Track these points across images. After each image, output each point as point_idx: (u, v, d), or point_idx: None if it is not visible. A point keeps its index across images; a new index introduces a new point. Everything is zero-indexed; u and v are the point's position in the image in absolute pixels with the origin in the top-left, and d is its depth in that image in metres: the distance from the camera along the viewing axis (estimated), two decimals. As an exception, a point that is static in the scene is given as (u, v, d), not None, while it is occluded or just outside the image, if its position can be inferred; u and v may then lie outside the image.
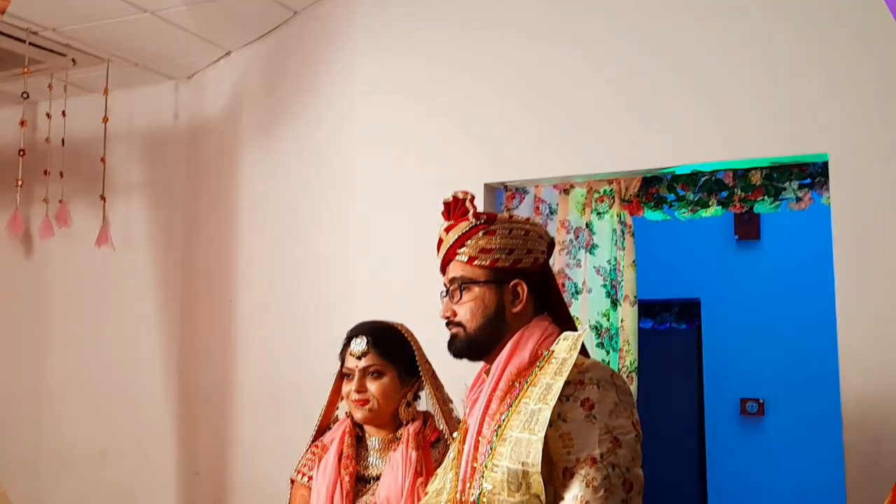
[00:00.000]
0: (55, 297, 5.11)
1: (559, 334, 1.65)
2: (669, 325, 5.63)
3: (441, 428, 2.08)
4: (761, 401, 4.94)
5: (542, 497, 1.46)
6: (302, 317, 4.01)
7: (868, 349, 2.72)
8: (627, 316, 3.09)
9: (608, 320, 3.08)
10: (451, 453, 1.73)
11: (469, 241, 1.70)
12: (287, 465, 3.87)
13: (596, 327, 3.03)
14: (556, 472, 1.49)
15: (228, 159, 4.25)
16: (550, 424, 1.48)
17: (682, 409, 5.54)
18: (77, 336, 5.04)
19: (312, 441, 2.15)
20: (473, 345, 1.69)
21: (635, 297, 3.11)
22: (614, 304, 3.10)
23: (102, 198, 4.27)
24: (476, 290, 1.69)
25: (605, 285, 3.10)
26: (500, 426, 1.56)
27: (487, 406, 1.61)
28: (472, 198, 1.76)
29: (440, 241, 1.78)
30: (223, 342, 4.41)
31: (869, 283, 2.72)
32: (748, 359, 5.00)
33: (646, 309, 4.78)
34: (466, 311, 1.69)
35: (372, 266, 3.62)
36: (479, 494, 1.53)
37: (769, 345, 4.95)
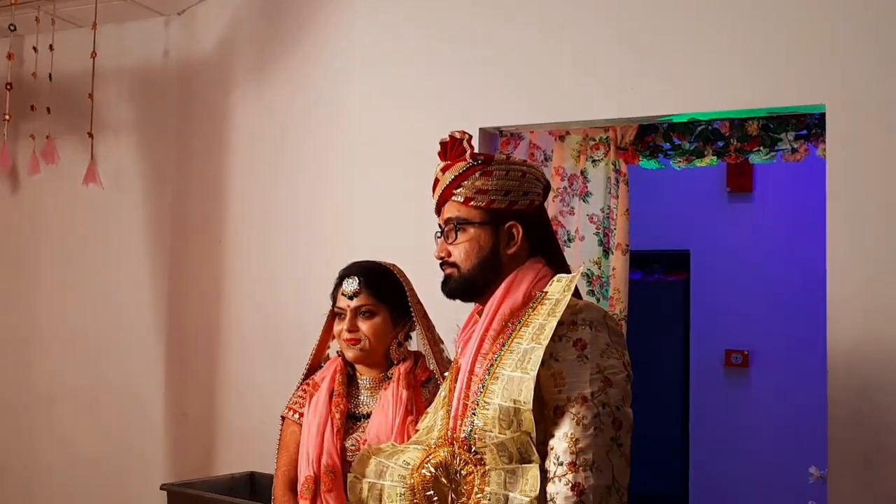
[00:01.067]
0: (43, 236, 5.07)
1: (552, 276, 1.65)
2: (658, 276, 5.66)
3: (431, 368, 2.09)
4: (746, 353, 4.99)
5: (533, 434, 1.47)
6: (293, 259, 4.01)
7: (857, 302, 2.74)
8: (619, 264, 3.10)
9: (600, 268, 3.08)
10: (442, 392, 1.74)
11: (465, 182, 1.69)
12: (275, 407, 3.89)
13: (587, 275, 3.04)
14: (546, 411, 1.50)
15: (220, 98, 4.20)
16: (542, 364, 1.49)
17: (667, 359, 5.60)
18: (65, 276, 5.03)
19: (303, 380, 2.16)
20: (467, 285, 1.69)
21: (627, 245, 3.11)
22: (606, 252, 3.10)
23: (90, 135, 4.20)
24: (471, 230, 1.69)
25: (597, 233, 3.10)
26: (492, 365, 1.56)
27: (480, 345, 1.61)
28: (470, 138, 1.74)
29: (436, 182, 1.76)
30: (213, 283, 4.41)
31: (860, 235, 2.73)
32: (735, 311, 5.04)
33: (635, 260, 4.79)
34: (461, 251, 1.69)
35: (365, 209, 3.61)
36: (471, 431, 1.54)
37: (756, 298, 4.99)
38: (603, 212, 3.11)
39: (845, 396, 2.74)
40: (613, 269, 3.10)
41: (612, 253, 3.11)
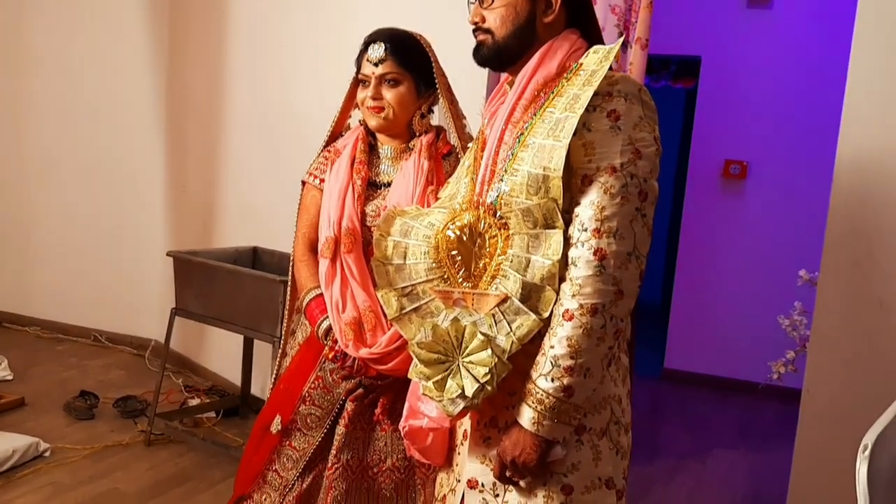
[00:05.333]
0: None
1: (588, 49, 1.62)
2: (665, 82, 5.58)
3: (453, 142, 2.09)
4: (745, 163, 5.02)
5: (560, 201, 1.49)
6: (297, 36, 3.91)
7: (873, 114, 2.72)
8: (637, 60, 3.04)
9: (617, 62, 3.02)
10: (466, 161, 1.75)
11: (505, -57, 1.61)
12: (275, 185, 3.95)
13: (604, 69, 2.98)
14: (574, 180, 1.51)
15: None
16: (575, 133, 1.48)
17: (664, 168, 5.63)
18: (59, 44, 4.90)
19: (324, 147, 2.16)
20: (501, 53, 1.65)
21: (647, 40, 3.04)
22: (625, 45, 3.03)
23: None
24: (508, -5, 1.63)
25: (618, 25, 3.02)
26: (522, 133, 1.56)
27: (511, 114, 1.60)
28: None
29: (474, -59, 1.68)
30: (214, 59, 4.32)
31: (889, 46, 2.68)
32: (738, 123, 5.03)
33: (644, 64, 4.70)
34: (496, 17, 1.64)
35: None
36: (497, 196, 1.56)
37: (762, 111, 4.96)
38: (625, 2, 3.01)
39: (847, 204, 2.79)
40: (631, 63, 3.05)
41: (631, 47, 3.04)
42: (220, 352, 4.34)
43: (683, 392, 5.17)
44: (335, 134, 2.16)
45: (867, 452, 1.27)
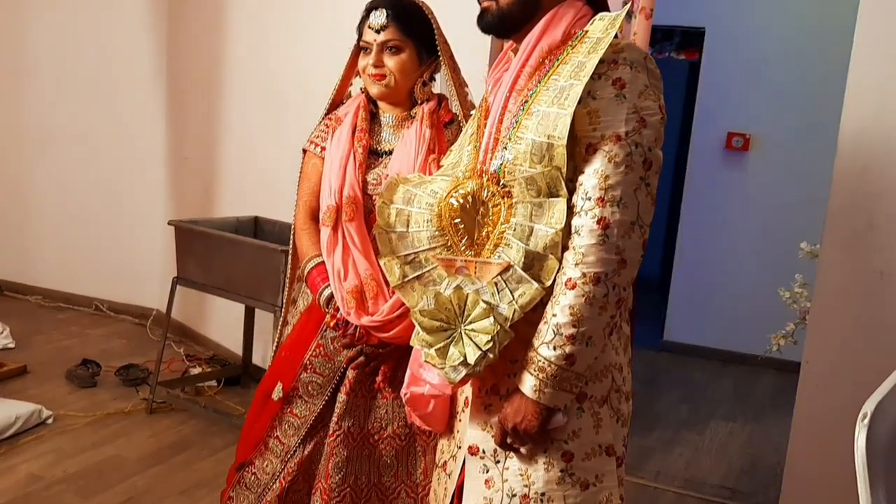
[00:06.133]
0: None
1: (593, 16, 1.61)
2: (668, 54, 5.54)
3: (455, 111, 2.08)
4: (747, 136, 5.00)
5: (564, 170, 1.49)
6: (298, 8, 3.89)
7: (877, 86, 2.71)
8: (641, 30, 3.02)
9: (621, 32, 3.00)
10: (469, 129, 1.74)
11: None
12: (274, 154, 3.93)
13: (606, 38, 2.96)
14: (578, 148, 1.51)
15: None
16: (579, 101, 1.47)
17: (667, 140, 5.61)
18: (57, 12, 4.86)
19: (325, 115, 2.14)
20: (505, 19, 1.63)
21: (651, 10, 3.01)
22: (629, 15, 3.01)
23: None
24: (512, -39, 1.61)
25: (622, -6, 2.99)
26: (526, 101, 1.55)
27: (515, 81, 1.59)
28: None
29: None
30: (214, 27, 4.29)
31: (893, 16, 2.66)
32: (742, 95, 5.00)
33: (648, 35, 4.66)
34: (502, -17, 1.62)
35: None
36: (501, 164, 1.55)
37: (766, 83, 4.93)
38: (631, -30, 2.98)
39: (849, 177, 2.78)
40: (634, 34, 3.02)
41: (636, 17, 3.02)
42: (222, 321, 4.35)
43: (682, 363, 5.19)
44: (336, 102, 2.15)
45: (866, 420, 1.27)
